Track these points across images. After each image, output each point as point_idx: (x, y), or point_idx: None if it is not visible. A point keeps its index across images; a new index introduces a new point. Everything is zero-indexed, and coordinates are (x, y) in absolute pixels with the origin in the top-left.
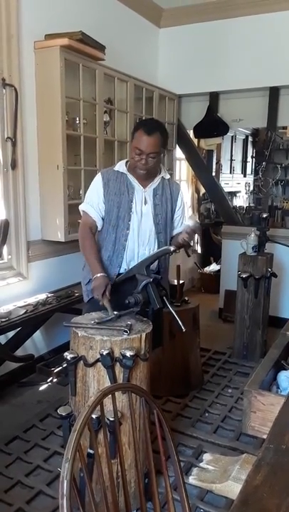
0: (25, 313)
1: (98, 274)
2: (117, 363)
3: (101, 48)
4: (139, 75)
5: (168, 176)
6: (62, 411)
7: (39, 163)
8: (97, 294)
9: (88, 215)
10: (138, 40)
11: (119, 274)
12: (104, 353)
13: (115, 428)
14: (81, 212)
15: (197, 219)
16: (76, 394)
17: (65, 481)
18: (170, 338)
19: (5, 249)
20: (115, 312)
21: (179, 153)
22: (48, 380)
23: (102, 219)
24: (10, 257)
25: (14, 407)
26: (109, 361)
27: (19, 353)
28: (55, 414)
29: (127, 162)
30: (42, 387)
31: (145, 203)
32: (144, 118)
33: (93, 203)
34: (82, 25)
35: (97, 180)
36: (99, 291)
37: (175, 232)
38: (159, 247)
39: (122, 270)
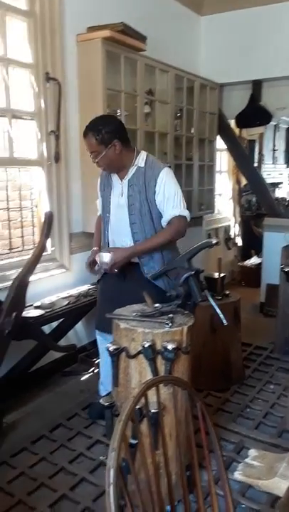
0: (68, 304)
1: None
2: (159, 356)
3: (142, 38)
4: (180, 65)
5: (143, 164)
6: (104, 401)
7: (81, 156)
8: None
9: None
10: (179, 29)
11: None
12: (146, 345)
13: (158, 419)
14: None
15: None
16: (118, 385)
17: (112, 470)
18: (211, 331)
19: (48, 241)
20: (156, 305)
21: (220, 143)
22: (90, 370)
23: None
24: (53, 248)
25: (58, 396)
26: (151, 353)
27: (62, 343)
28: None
29: None
30: (84, 377)
31: (122, 195)
32: (184, 108)
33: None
34: (124, 16)
35: (98, 183)
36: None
37: (163, 223)
38: (133, 238)
39: None
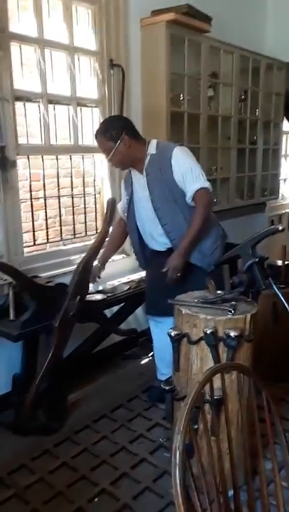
0: (129, 289)
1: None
2: (221, 343)
3: (207, 19)
4: (246, 45)
5: (154, 150)
6: (165, 385)
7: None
8: None
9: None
10: (244, 7)
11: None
12: (208, 332)
13: (222, 406)
14: None
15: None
16: (179, 370)
17: (178, 452)
18: (273, 320)
19: (111, 227)
20: (219, 292)
21: (287, 126)
22: (150, 355)
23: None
24: None
25: (118, 378)
26: (212, 340)
27: (122, 327)
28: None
29: None
30: (144, 361)
31: (145, 188)
32: (249, 90)
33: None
34: None
35: (122, 188)
36: None
37: (188, 199)
38: (161, 223)
39: (147, 244)
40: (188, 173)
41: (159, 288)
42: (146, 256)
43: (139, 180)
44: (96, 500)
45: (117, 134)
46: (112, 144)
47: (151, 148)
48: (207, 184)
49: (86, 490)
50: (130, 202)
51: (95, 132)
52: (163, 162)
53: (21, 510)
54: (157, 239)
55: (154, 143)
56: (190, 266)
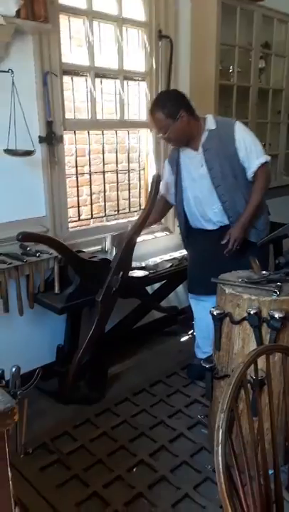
0: (171, 266)
1: None
2: (264, 324)
3: None
4: None
5: (214, 126)
6: (205, 363)
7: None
8: None
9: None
10: None
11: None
12: (251, 312)
13: (264, 386)
14: None
15: None
16: (220, 349)
17: (221, 430)
18: None
19: None
20: (264, 272)
21: None
22: (189, 332)
23: (171, 194)
24: None
25: (158, 354)
26: (256, 321)
27: (163, 304)
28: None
29: None
30: (183, 338)
31: (202, 165)
32: None
33: (164, 178)
34: None
35: (167, 165)
36: None
37: (249, 174)
38: (221, 200)
39: (194, 225)
40: (252, 148)
41: (207, 265)
42: (192, 235)
43: (194, 158)
44: (134, 470)
45: (176, 110)
46: (170, 121)
47: (210, 124)
48: (268, 158)
49: (125, 460)
50: (177, 185)
51: (150, 108)
52: (225, 137)
53: (63, 475)
54: (212, 218)
55: (211, 118)
56: (246, 242)
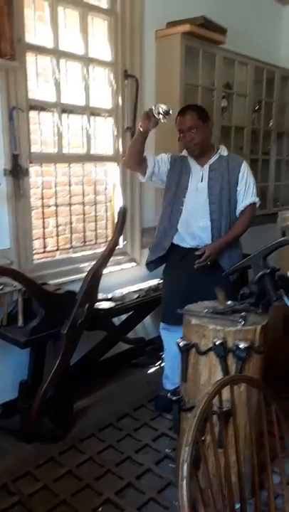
0: (138, 297)
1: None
2: (230, 354)
3: (222, 31)
4: (260, 57)
5: (226, 153)
6: (172, 395)
7: (156, 151)
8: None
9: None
10: (260, 19)
11: (172, 244)
12: (217, 343)
13: (230, 418)
14: None
15: None
16: (187, 380)
17: (186, 464)
18: (284, 333)
19: (121, 235)
20: (229, 302)
21: None
22: (157, 364)
23: (152, 170)
24: (125, 242)
25: (125, 386)
26: (222, 351)
27: (130, 335)
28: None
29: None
30: (151, 370)
31: (201, 180)
32: (263, 101)
33: (156, 157)
34: (204, 8)
35: (166, 155)
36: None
37: (239, 208)
38: (210, 216)
39: (174, 241)
40: (250, 185)
41: (183, 294)
42: (170, 259)
43: (196, 172)
44: (100, 510)
45: (207, 116)
46: (200, 123)
47: (223, 151)
48: (258, 201)
49: (90, 499)
50: (181, 188)
51: (181, 108)
52: (233, 167)
53: None
54: (195, 232)
55: (224, 147)
56: (215, 269)
